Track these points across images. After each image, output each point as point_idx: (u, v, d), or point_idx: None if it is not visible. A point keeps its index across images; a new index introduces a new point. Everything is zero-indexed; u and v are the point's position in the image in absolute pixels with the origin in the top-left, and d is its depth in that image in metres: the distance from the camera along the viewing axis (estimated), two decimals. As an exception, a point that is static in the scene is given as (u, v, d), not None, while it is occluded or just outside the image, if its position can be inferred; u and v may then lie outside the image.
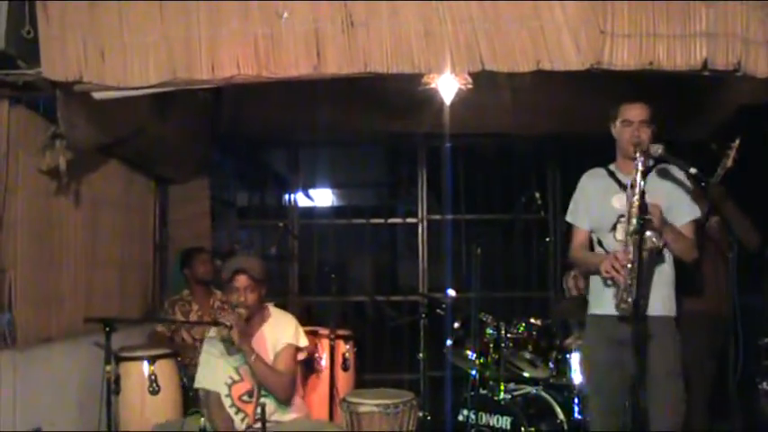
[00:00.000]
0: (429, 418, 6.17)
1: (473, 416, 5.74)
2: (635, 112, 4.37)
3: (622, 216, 4.25)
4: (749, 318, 5.04)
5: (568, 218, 4.79)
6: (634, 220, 4.03)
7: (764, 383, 5.16)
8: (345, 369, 6.22)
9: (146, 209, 7.34)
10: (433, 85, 6.07)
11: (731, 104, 6.14)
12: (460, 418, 5.82)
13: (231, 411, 4.80)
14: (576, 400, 5.71)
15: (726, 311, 5.22)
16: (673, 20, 4.28)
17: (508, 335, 5.93)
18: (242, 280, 4.74)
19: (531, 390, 5.89)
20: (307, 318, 5.04)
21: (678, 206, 4.38)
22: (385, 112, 7.67)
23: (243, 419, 4.78)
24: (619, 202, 4.33)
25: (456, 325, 6.25)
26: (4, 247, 4.68)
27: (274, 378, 4.69)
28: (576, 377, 5.73)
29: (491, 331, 5.94)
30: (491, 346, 5.94)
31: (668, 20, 4.29)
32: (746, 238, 5.18)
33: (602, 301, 4.43)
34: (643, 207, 3.96)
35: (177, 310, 6.57)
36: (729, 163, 5.00)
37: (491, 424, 5.67)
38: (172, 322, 6.49)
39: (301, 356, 4.98)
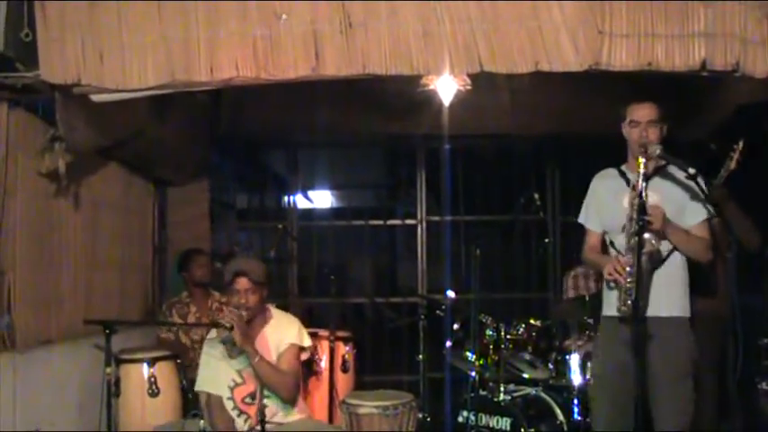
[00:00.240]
0: (429, 419, 6.19)
1: (473, 417, 5.73)
2: (642, 113, 4.36)
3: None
4: (749, 318, 5.05)
5: (581, 219, 4.78)
6: (634, 224, 4.04)
7: (764, 383, 5.15)
8: (345, 371, 6.22)
9: (145, 211, 7.35)
10: (431, 87, 6.07)
11: (730, 104, 6.14)
12: (460, 419, 5.81)
13: (234, 414, 4.80)
14: (575, 401, 5.71)
15: (725, 311, 5.22)
16: (671, 20, 4.29)
17: (508, 336, 5.93)
18: (243, 282, 4.74)
19: (531, 391, 5.88)
20: (306, 319, 5.03)
21: (690, 207, 4.35)
22: (384, 114, 7.67)
23: (246, 421, 4.79)
24: (629, 202, 4.32)
25: (455, 326, 6.24)
26: (3, 249, 4.68)
27: (279, 378, 4.69)
28: (576, 378, 5.74)
29: (490, 332, 5.94)
30: (490, 347, 5.93)
31: (666, 20, 4.29)
32: (747, 239, 5.18)
33: (611, 304, 4.42)
34: (641, 208, 3.96)
35: (175, 312, 6.57)
36: (733, 165, 4.99)
37: (491, 425, 5.67)
38: (171, 325, 6.49)
39: (305, 356, 4.98)
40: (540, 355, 5.93)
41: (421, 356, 6.71)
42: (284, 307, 5.18)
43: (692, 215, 4.35)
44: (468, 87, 6.05)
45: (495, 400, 5.71)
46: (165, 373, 5.60)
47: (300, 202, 9.62)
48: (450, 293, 7.03)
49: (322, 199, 13.88)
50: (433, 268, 8.67)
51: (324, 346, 6.04)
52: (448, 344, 6.20)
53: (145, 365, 5.53)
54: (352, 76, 4.44)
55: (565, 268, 7.34)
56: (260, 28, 4.38)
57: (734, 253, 5.11)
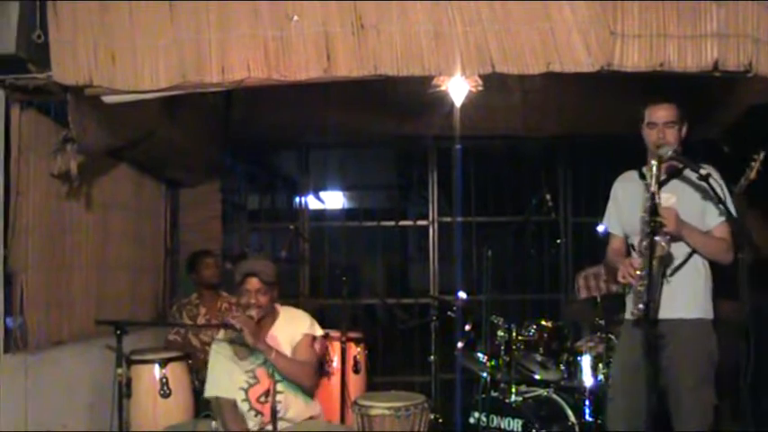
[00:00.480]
0: (440, 420, 6.18)
1: (484, 418, 5.72)
2: (660, 114, 4.31)
3: None
4: (761, 320, 5.03)
5: (603, 222, 4.77)
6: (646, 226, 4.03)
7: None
8: (356, 371, 6.21)
9: (156, 212, 7.36)
10: (443, 88, 6.06)
11: (742, 104, 6.12)
12: (472, 420, 5.80)
13: (250, 414, 4.80)
14: (587, 403, 5.69)
15: (740, 314, 5.20)
16: (683, 20, 4.27)
17: (519, 337, 5.91)
18: (253, 282, 4.74)
19: (543, 392, 5.86)
20: (318, 320, 5.03)
21: (709, 209, 4.30)
22: (395, 115, 7.67)
23: (258, 419, 4.79)
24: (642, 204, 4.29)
25: (467, 327, 6.23)
26: (15, 250, 4.69)
27: (298, 368, 4.74)
28: (588, 379, 5.72)
29: (502, 333, 5.92)
30: (502, 348, 5.91)
31: (679, 20, 4.27)
32: (765, 246, 5.16)
33: (629, 307, 4.40)
34: (653, 210, 3.93)
35: (185, 314, 6.60)
36: (753, 175, 4.97)
37: (502, 426, 5.66)
38: (182, 326, 6.50)
39: (317, 346, 5.01)
40: (551, 356, 5.91)
41: (432, 357, 6.69)
42: (295, 308, 5.18)
43: (712, 217, 4.31)
44: (480, 88, 6.04)
45: (507, 401, 5.70)
46: (176, 373, 5.61)
47: (312, 203, 9.63)
48: (462, 294, 7.01)
49: (333, 200, 13.90)
50: (445, 269, 8.66)
51: (335, 347, 6.03)
52: (459, 345, 6.18)
53: (156, 366, 5.54)
54: (363, 77, 4.44)
55: (576, 269, 7.33)
56: (271, 29, 4.39)
57: (747, 256, 5.08)
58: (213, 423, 4.63)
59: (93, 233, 5.76)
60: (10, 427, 4.52)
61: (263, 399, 4.77)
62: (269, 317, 4.88)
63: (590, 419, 5.64)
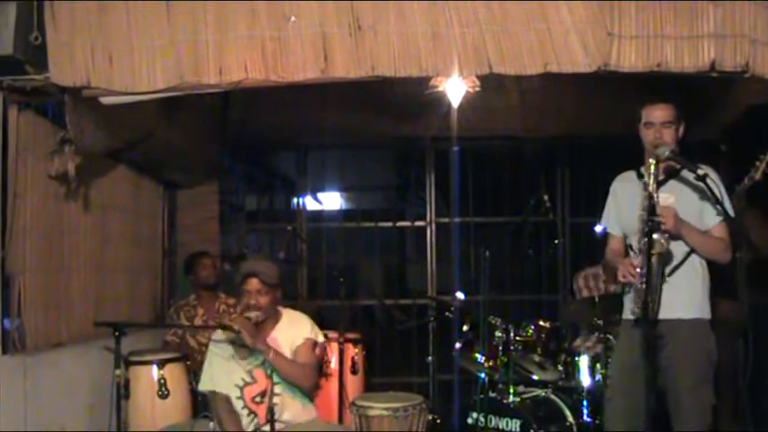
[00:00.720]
0: (438, 421, 6.18)
1: (482, 419, 5.72)
2: (657, 114, 4.32)
3: None
4: (761, 320, 5.03)
5: (602, 222, 4.77)
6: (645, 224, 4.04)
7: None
8: (354, 372, 6.22)
9: (154, 214, 7.36)
10: (440, 88, 6.05)
11: (740, 105, 6.13)
12: (470, 421, 5.81)
13: (243, 413, 4.79)
14: (585, 403, 5.70)
15: (738, 314, 5.20)
16: (680, 21, 4.28)
17: (517, 337, 5.92)
18: (253, 283, 4.74)
19: (541, 392, 5.86)
20: (316, 321, 5.03)
21: (707, 209, 4.31)
22: (393, 116, 7.67)
23: (253, 420, 4.78)
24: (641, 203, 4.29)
25: (465, 328, 6.23)
26: (13, 252, 4.69)
27: (297, 369, 4.72)
28: (586, 380, 5.73)
29: (500, 334, 5.93)
30: (500, 348, 5.92)
31: (676, 21, 4.28)
32: (764, 247, 5.16)
33: (628, 306, 4.41)
34: (651, 209, 3.94)
35: (182, 315, 6.60)
36: (758, 176, 4.96)
37: (500, 427, 5.66)
38: (179, 328, 6.50)
39: (318, 351, 5.00)
40: (549, 356, 5.92)
41: (430, 358, 6.71)
42: (293, 309, 5.18)
43: (710, 217, 4.31)
44: (478, 89, 6.03)
45: (505, 401, 5.70)
46: (174, 374, 5.61)
47: (310, 203, 9.62)
48: (460, 295, 7.02)
49: (331, 201, 13.87)
50: (443, 270, 8.65)
51: (333, 348, 6.04)
52: (457, 345, 6.19)
53: (154, 367, 5.55)
54: (361, 78, 4.43)
55: (575, 269, 7.33)
56: (269, 30, 4.39)
57: (745, 256, 5.08)
58: (211, 423, 4.63)
59: (91, 234, 5.75)
60: (9, 429, 4.52)
61: (258, 399, 4.77)
62: (271, 319, 4.86)
63: (588, 420, 5.64)
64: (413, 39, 4.36)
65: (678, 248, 4.25)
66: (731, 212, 4.25)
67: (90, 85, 4.45)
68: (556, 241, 8.66)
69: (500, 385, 5.86)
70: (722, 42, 4.27)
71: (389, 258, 12.57)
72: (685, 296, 4.28)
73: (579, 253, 8.44)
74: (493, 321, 6.00)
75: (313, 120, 7.67)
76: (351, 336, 6.31)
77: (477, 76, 4.96)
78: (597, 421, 5.52)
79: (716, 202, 4.12)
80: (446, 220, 8.78)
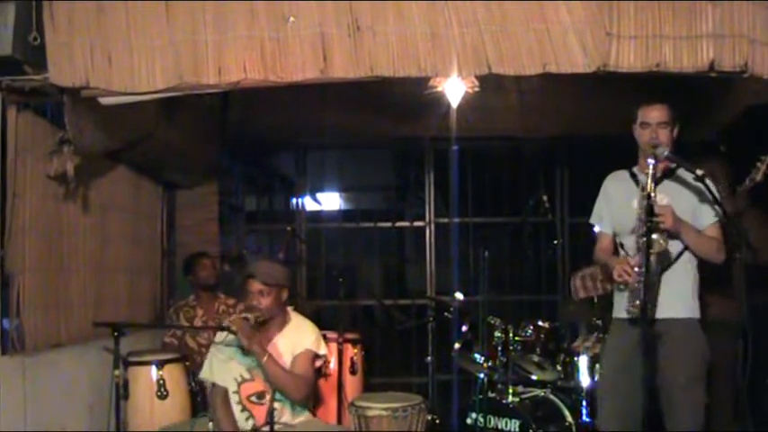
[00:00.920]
0: (437, 421, 6.18)
1: (481, 419, 5.73)
2: (653, 114, 4.34)
3: None
4: (761, 320, 5.03)
5: (592, 221, 4.79)
6: (643, 225, 4.05)
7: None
8: (353, 372, 6.23)
9: (154, 214, 7.36)
10: (439, 89, 6.06)
11: (739, 105, 6.13)
12: (469, 421, 5.81)
13: (237, 409, 4.77)
14: (584, 403, 5.70)
15: (738, 314, 5.20)
16: (679, 21, 4.28)
17: (516, 338, 5.94)
18: (253, 284, 4.71)
19: (540, 392, 5.87)
20: (315, 322, 5.02)
21: (701, 209, 4.34)
22: (392, 116, 7.67)
23: (247, 419, 4.76)
24: (638, 203, 4.31)
25: (464, 328, 6.24)
26: (12, 252, 4.69)
27: (288, 378, 4.62)
28: (585, 380, 5.73)
29: (499, 334, 5.94)
30: (499, 348, 5.93)
31: (674, 21, 4.28)
32: (761, 247, 5.16)
33: (621, 305, 4.43)
34: (650, 209, 3.96)
35: (182, 316, 6.60)
36: (759, 177, 4.96)
37: (499, 427, 5.66)
38: (179, 328, 6.50)
39: (318, 363, 4.94)
40: (548, 356, 5.94)
41: (429, 358, 6.70)
42: (293, 309, 5.18)
43: (705, 216, 4.34)
44: (477, 89, 6.04)
45: (504, 401, 5.70)
46: (173, 375, 5.61)
47: (309, 204, 9.63)
48: (459, 295, 7.02)
49: (330, 201, 13.89)
50: (442, 270, 8.66)
51: (332, 348, 6.03)
52: (456, 346, 6.19)
53: (153, 368, 5.54)
54: (360, 78, 4.43)
55: (573, 270, 7.33)
56: (268, 30, 4.39)
57: (745, 256, 5.08)
58: (210, 424, 4.62)
59: (91, 235, 5.75)
60: (8, 429, 4.51)
61: (253, 399, 4.75)
62: (277, 320, 4.82)
63: (587, 420, 5.65)
64: (412, 39, 4.36)
65: (670, 248, 4.27)
66: (723, 214, 4.29)
67: (89, 86, 4.44)
68: (555, 241, 8.66)
69: (499, 385, 5.87)
70: (721, 42, 4.27)
71: (388, 259, 12.59)
72: (677, 296, 4.30)
73: (578, 253, 8.44)
74: (492, 321, 6.01)
75: (312, 120, 7.68)
76: (350, 336, 6.31)
77: (477, 77, 4.96)
78: (596, 421, 5.52)
79: (715, 202, 4.14)
80: (445, 220, 8.79)
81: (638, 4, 4.29)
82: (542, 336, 5.96)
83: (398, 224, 9.29)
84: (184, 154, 6.87)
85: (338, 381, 5.96)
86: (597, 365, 5.66)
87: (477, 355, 6.04)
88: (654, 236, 4.01)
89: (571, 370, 5.86)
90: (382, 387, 6.51)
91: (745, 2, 4.26)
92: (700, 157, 4.95)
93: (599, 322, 5.86)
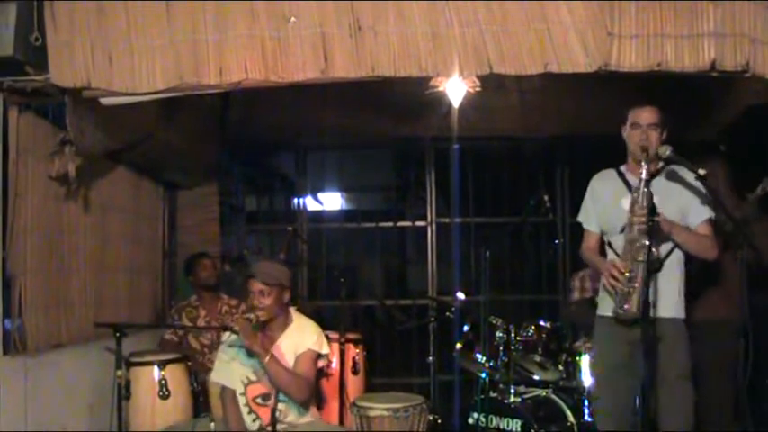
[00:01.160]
0: (439, 421, 6.18)
1: (483, 419, 5.72)
2: (644, 116, 4.39)
3: None
4: (761, 318, 5.03)
5: (579, 218, 4.81)
6: (635, 228, 4.13)
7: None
8: (355, 373, 6.22)
9: (155, 215, 7.36)
10: (440, 89, 6.06)
11: (740, 105, 6.13)
12: (470, 421, 5.81)
13: (244, 411, 4.77)
14: (586, 403, 5.70)
15: (739, 314, 5.21)
16: (680, 21, 4.28)
17: (518, 337, 5.93)
18: (254, 284, 4.71)
19: (541, 392, 5.87)
20: (316, 322, 5.02)
21: (691, 207, 4.39)
22: (393, 116, 7.67)
23: (254, 420, 4.76)
24: (628, 204, 4.33)
25: (465, 328, 6.24)
26: (13, 253, 4.69)
27: (290, 379, 4.62)
28: (586, 379, 5.73)
29: (500, 334, 5.93)
30: (500, 348, 5.93)
31: (676, 21, 4.28)
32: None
33: (606, 304, 4.48)
34: (651, 209, 3.97)
35: (184, 316, 6.59)
36: None
37: (501, 427, 5.66)
38: (180, 328, 6.50)
39: (321, 363, 4.94)
40: (550, 356, 5.93)
41: (431, 358, 6.70)
42: (306, 318, 5.17)
43: (695, 215, 4.40)
44: (478, 89, 6.04)
45: (506, 401, 5.70)
46: (175, 375, 5.61)
47: (310, 204, 9.62)
48: (460, 295, 7.02)
49: (331, 201, 13.89)
50: (443, 270, 8.66)
51: (334, 349, 6.02)
52: (458, 346, 6.19)
53: (155, 368, 5.54)
54: (361, 78, 4.44)
55: (574, 270, 7.33)
56: (269, 30, 4.39)
57: (744, 253, 5.08)
58: (212, 424, 4.62)
59: (92, 235, 5.76)
60: (10, 429, 4.51)
61: (259, 400, 4.75)
62: (279, 321, 4.82)
63: (589, 419, 5.63)
64: (413, 39, 4.37)
65: (659, 249, 4.30)
66: (713, 214, 4.37)
67: (90, 86, 4.45)
68: (556, 241, 8.66)
69: (501, 385, 5.87)
70: (722, 42, 4.28)
71: (390, 259, 12.56)
72: (665, 295, 4.33)
73: (579, 253, 8.43)
74: (493, 321, 6.00)
75: (313, 120, 7.68)
76: (351, 336, 6.30)
77: (478, 77, 4.96)
78: (594, 419, 5.52)
79: (716, 202, 4.17)
80: (446, 220, 8.79)
81: (639, 4, 4.30)
82: (544, 335, 5.95)
83: (400, 224, 9.28)
84: (185, 154, 6.87)
85: (340, 381, 5.95)
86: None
87: (478, 355, 6.04)
88: (646, 242, 4.06)
89: (573, 370, 5.86)
90: (384, 387, 6.52)
91: (747, 1, 4.27)
92: (700, 157, 4.93)
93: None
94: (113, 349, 4.77)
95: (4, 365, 4.59)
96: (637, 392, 4.40)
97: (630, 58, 4.32)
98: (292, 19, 4.36)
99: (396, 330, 8.95)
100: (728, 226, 4.92)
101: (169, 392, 5.50)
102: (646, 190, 4.11)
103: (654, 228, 4.01)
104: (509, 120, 7.75)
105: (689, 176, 4.35)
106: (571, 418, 5.63)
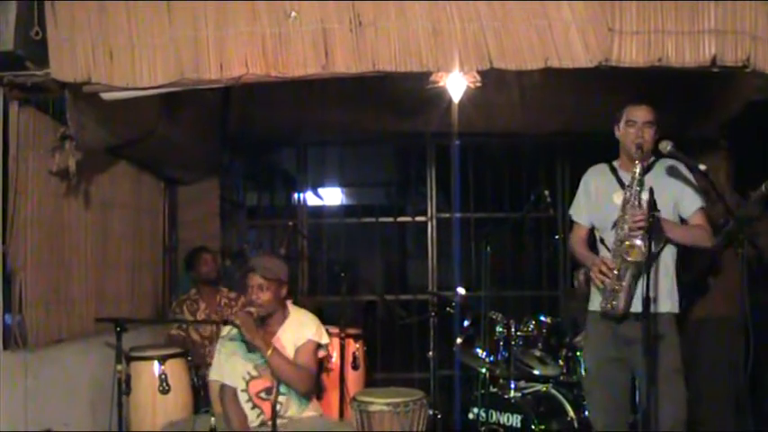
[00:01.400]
0: (439, 416, 6.17)
1: (483, 414, 5.73)
2: (640, 113, 4.41)
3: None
4: (762, 316, 5.03)
5: (571, 211, 4.83)
6: (625, 226, 4.18)
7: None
8: (355, 368, 6.21)
9: (155, 210, 7.37)
10: (441, 84, 6.05)
11: (740, 101, 6.13)
12: (471, 416, 5.82)
13: (247, 407, 4.78)
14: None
15: (740, 312, 5.21)
16: (681, 16, 4.29)
17: (518, 333, 5.93)
18: (253, 279, 4.72)
19: (542, 388, 5.88)
20: (317, 316, 5.02)
21: (684, 198, 4.41)
22: (394, 112, 7.66)
23: (258, 416, 4.77)
24: (620, 199, 4.36)
25: (466, 323, 6.24)
26: (14, 248, 4.69)
27: (293, 371, 4.65)
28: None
29: (501, 329, 5.94)
30: (501, 344, 5.93)
31: (676, 16, 4.29)
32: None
33: (595, 299, 4.51)
34: (653, 205, 3.98)
35: (185, 309, 6.60)
36: None
37: (501, 422, 5.67)
38: (182, 323, 6.51)
39: (322, 354, 4.97)
40: (550, 351, 5.93)
41: (431, 353, 6.69)
42: (295, 305, 5.18)
43: (688, 205, 4.42)
44: (479, 85, 6.02)
45: (506, 396, 5.71)
46: (175, 370, 5.61)
47: (310, 199, 9.62)
48: (461, 290, 7.02)
49: (332, 196, 13.88)
50: (444, 265, 8.67)
51: (334, 344, 6.02)
52: (458, 341, 6.19)
53: (156, 363, 5.54)
54: (361, 73, 4.45)
55: (575, 265, 7.33)
56: (269, 26, 4.40)
57: (745, 250, 5.09)
58: (212, 419, 4.62)
59: (92, 231, 5.76)
60: (10, 425, 4.52)
61: (263, 395, 4.76)
62: (277, 316, 4.84)
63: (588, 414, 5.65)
64: (413, 34, 4.37)
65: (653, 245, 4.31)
66: (704, 201, 4.41)
67: (91, 81, 4.45)
68: (556, 237, 8.66)
69: (501, 380, 5.88)
70: (723, 38, 4.28)
71: (390, 254, 12.60)
72: (659, 291, 4.34)
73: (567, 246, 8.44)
74: (494, 317, 6.01)
75: (313, 116, 7.67)
76: (352, 331, 6.29)
77: (478, 72, 4.96)
78: (589, 415, 5.53)
79: (718, 198, 4.20)
80: (447, 215, 8.78)
81: (640, 2, 4.29)
82: (544, 331, 5.96)
83: (400, 219, 9.28)
84: (186, 150, 6.88)
85: (340, 376, 5.94)
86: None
87: (478, 351, 6.04)
88: (637, 242, 4.09)
89: (573, 365, 5.87)
90: (384, 382, 6.52)
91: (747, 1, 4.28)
92: (702, 153, 4.94)
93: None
94: (114, 344, 4.77)
95: (5, 361, 4.59)
96: (629, 386, 4.46)
97: (631, 54, 4.33)
98: (293, 14, 4.36)
99: (396, 325, 8.95)
100: (730, 224, 4.93)
101: (169, 387, 5.50)
102: (639, 189, 4.18)
103: (655, 224, 4.01)
104: (510, 116, 7.74)
105: (680, 167, 4.38)
106: (571, 413, 5.65)
